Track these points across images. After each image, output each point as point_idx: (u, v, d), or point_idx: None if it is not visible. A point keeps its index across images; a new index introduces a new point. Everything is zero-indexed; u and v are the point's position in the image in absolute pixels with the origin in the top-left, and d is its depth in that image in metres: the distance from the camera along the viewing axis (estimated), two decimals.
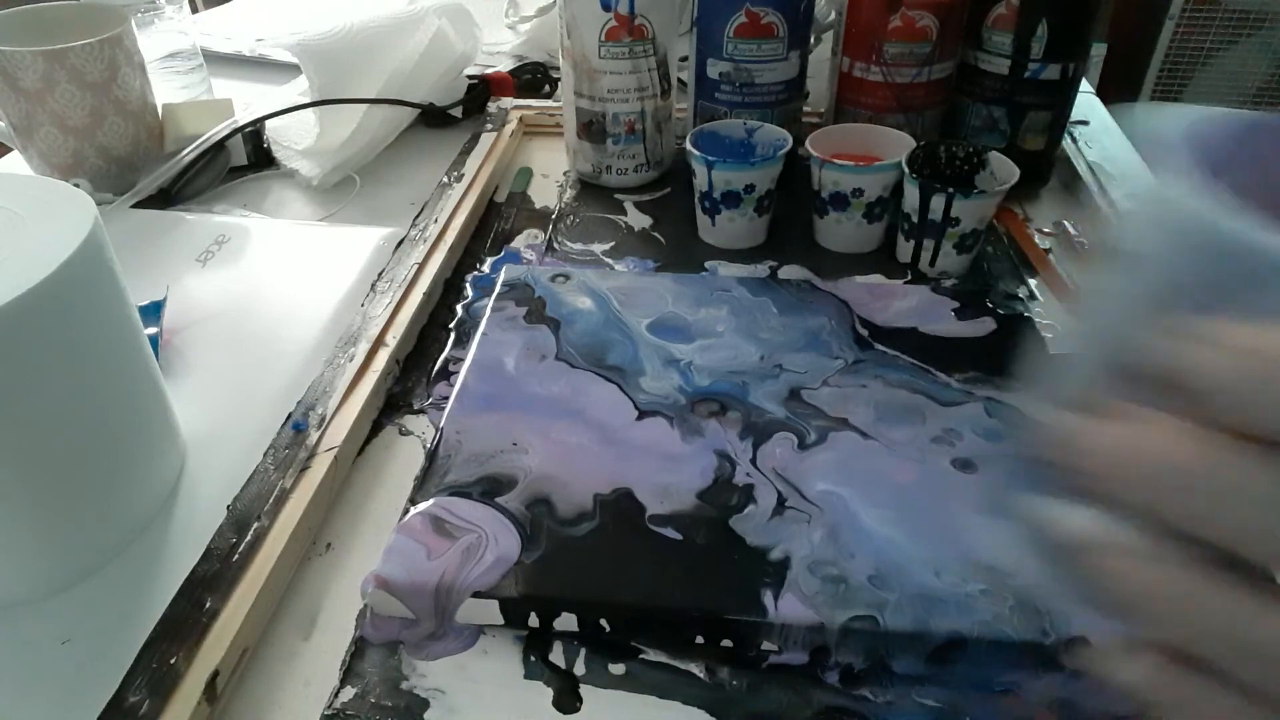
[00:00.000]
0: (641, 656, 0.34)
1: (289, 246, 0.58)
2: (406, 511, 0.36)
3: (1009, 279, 0.56)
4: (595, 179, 0.66)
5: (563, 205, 0.65)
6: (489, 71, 0.78)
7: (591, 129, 0.64)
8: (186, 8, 0.75)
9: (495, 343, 0.46)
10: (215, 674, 0.31)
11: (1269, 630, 0.16)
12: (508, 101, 0.76)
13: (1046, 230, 0.61)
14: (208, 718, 0.31)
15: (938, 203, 0.52)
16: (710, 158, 0.55)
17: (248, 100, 0.74)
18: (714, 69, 0.62)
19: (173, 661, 0.31)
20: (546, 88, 0.81)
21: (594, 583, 0.34)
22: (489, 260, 0.58)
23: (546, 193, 0.66)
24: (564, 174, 0.69)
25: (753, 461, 0.39)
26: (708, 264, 0.57)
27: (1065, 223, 0.61)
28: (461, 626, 0.34)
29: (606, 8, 0.58)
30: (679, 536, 0.35)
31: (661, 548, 0.35)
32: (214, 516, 0.37)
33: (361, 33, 0.68)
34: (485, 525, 0.36)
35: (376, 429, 0.44)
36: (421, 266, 0.53)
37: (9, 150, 0.65)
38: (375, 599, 0.34)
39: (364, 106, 0.67)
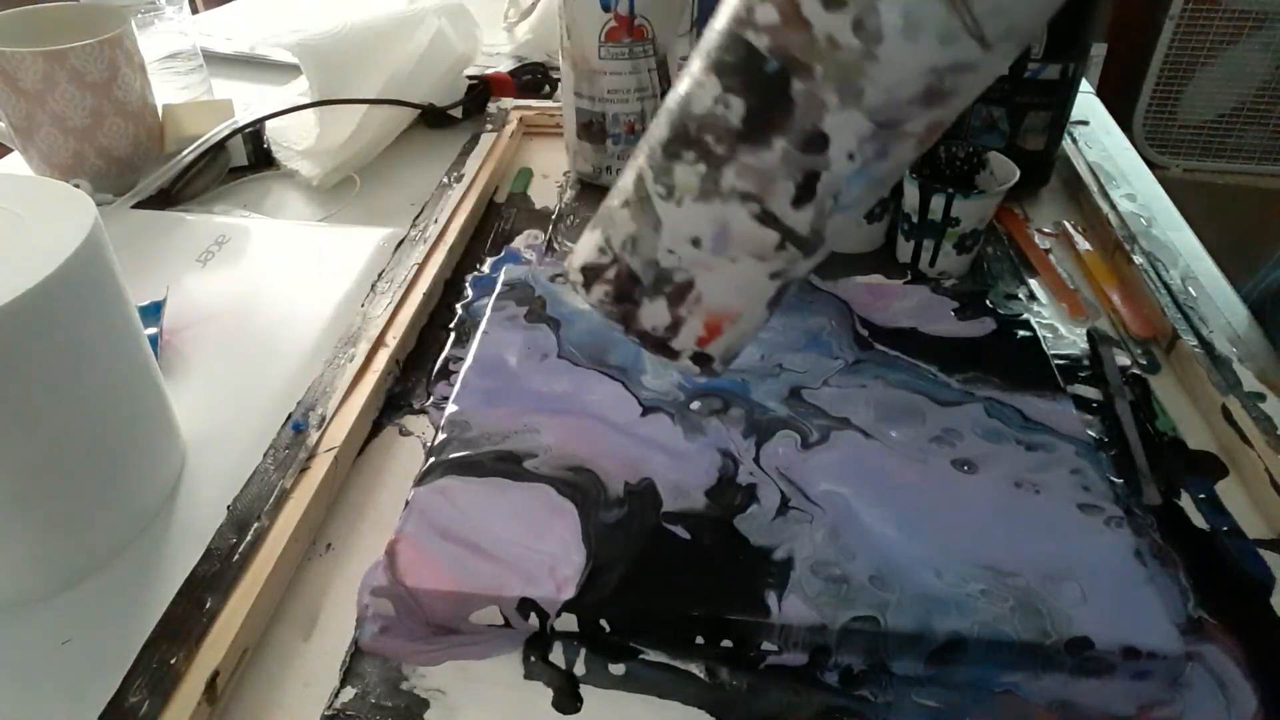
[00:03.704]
0: (641, 656, 0.34)
1: (289, 247, 0.58)
2: (407, 506, 0.36)
3: (1009, 279, 0.56)
4: (595, 179, 0.66)
5: (563, 205, 0.65)
6: (489, 72, 0.78)
7: (591, 129, 0.64)
8: (186, 8, 0.75)
9: (496, 341, 0.46)
10: (215, 674, 0.31)
11: None
12: (508, 102, 0.76)
13: (1046, 230, 0.61)
14: (208, 718, 0.31)
15: (937, 203, 0.52)
16: None
17: (248, 100, 0.74)
18: None
19: (173, 661, 0.31)
20: (546, 88, 0.81)
21: (598, 584, 0.34)
22: (489, 260, 0.58)
23: (546, 193, 0.66)
24: (564, 174, 0.69)
25: (756, 460, 0.39)
26: None
27: (1065, 223, 0.61)
28: (474, 632, 0.34)
29: (606, 8, 0.58)
30: (688, 536, 0.35)
31: (669, 549, 0.35)
32: (214, 516, 0.37)
33: (361, 33, 0.68)
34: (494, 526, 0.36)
35: (376, 429, 0.44)
36: (421, 267, 0.53)
37: (9, 150, 0.65)
38: (376, 606, 0.34)
39: (364, 107, 0.67)
